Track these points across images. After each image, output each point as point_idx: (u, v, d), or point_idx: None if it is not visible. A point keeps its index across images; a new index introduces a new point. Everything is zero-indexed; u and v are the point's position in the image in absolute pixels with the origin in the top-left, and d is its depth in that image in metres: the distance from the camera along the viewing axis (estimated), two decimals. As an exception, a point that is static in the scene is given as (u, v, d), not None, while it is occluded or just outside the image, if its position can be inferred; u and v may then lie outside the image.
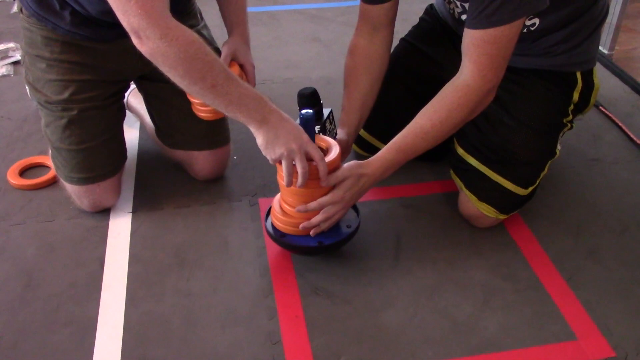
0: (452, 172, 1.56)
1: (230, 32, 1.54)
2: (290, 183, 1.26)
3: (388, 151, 1.35)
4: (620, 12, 2.29)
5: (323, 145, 1.34)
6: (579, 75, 1.50)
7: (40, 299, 1.35)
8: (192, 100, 1.48)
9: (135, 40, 1.16)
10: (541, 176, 1.49)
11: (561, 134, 1.53)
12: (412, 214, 1.58)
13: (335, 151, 1.31)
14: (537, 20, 1.38)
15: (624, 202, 1.61)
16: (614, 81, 2.16)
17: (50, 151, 1.54)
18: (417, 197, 1.63)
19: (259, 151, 1.28)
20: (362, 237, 1.48)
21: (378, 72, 1.52)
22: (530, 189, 1.48)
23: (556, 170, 1.71)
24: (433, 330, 1.27)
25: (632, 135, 1.84)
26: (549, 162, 1.51)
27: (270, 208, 1.43)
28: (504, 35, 1.23)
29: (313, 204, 1.31)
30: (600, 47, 2.37)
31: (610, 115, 1.94)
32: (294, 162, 1.23)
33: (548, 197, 1.62)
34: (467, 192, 1.50)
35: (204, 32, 1.63)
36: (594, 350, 1.23)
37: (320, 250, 1.39)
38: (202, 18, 1.66)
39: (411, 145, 1.34)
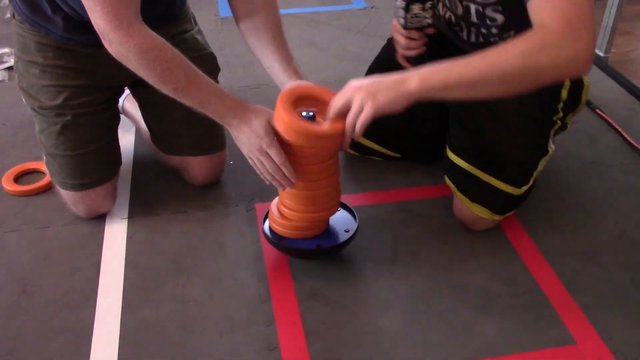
0: (445, 177, 1.55)
1: (283, 71, 1.37)
2: (271, 180, 1.29)
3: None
4: (616, 15, 2.30)
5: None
6: None
7: (36, 306, 1.34)
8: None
9: (103, 42, 1.24)
10: (534, 175, 1.48)
11: (552, 132, 1.51)
12: (409, 219, 1.57)
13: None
14: (499, 17, 1.34)
15: (621, 205, 1.61)
16: (610, 84, 2.16)
17: (44, 157, 1.54)
18: (414, 201, 1.62)
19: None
20: (359, 241, 1.47)
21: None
22: (524, 188, 1.46)
23: (553, 173, 1.71)
24: (431, 335, 1.27)
25: (628, 138, 1.84)
26: (542, 160, 1.49)
27: (267, 212, 1.43)
28: None
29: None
30: (596, 50, 2.38)
31: (606, 117, 1.93)
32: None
33: (545, 200, 1.62)
34: (460, 195, 1.49)
35: (198, 36, 1.62)
36: (594, 355, 1.22)
37: (319, 253, 1.39)
38: (196, 23, 1.66)
39: (448, 67, 1.12)
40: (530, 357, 1.23)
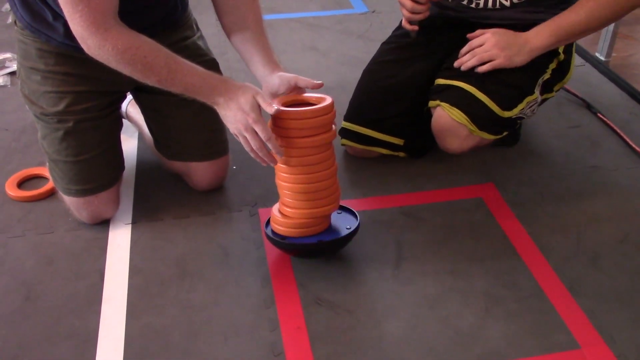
0: (430, 103, 1.60)
1: (264, 66, 1.42)
2: (256, 157, 1.30)
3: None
4: (617, 19, 2.30)
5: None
6: None
7: (40, 312, 1.34)
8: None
9: (82, 46, 1.27)
10: (517, 107, 1.55)
11: (541, 80, 1.59)
12: (412, 223, 1.57)
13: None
14: None
15: (623, 209, 1.61)
16: (612, 88, 2.16)
17: (47, 163, 1.54)
18: (417, 206, 1.63)
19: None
20: (363, 246, 1.47)
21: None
22: (507, 114, 1.53)
23: (555, 178, 1.71)
24: (435, 340, 1.27)
25: (630, 142, 1.84)
26: (528, 98, 1.56)
27: (269, 218, 1.44)
28: None
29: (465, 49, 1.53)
30: (596, 54, 2.38)
31: (608, 122, 1.94)
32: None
33: (548, 205, 1.62)
34: (441, 103, 1.54)
35: (200, 42, 1.62)
36: (598, 359, 1.23)
37: (320, 248, 1.39)
38: (198, 29, 1.66)
39: (561, 21, 1.47)
40: (535, 362, 1.23)
